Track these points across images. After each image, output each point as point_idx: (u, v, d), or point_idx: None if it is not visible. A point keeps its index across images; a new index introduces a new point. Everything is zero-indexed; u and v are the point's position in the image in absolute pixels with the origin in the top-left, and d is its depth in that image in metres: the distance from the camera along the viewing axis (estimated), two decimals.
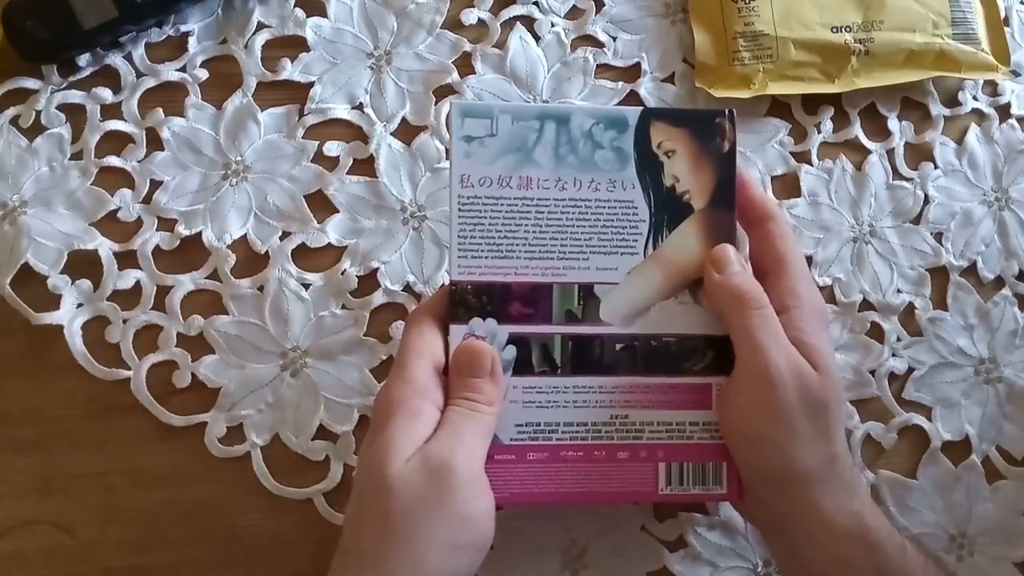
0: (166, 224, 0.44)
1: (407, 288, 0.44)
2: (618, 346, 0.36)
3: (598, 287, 0.36)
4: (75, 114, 0.45)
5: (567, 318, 0.36)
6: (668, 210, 0.36)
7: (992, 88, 0.50)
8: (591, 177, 0.36)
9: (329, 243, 0.44)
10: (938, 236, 0.47)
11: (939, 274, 0.47)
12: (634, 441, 0.36)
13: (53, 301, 0.42)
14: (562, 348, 0.36)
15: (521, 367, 0.36)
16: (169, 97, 0.46)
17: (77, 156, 0.44)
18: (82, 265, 0.43)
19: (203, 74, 0.46)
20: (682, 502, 0.40)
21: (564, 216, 0.36)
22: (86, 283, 0.42)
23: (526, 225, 0.36)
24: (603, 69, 0.48)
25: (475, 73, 0.47)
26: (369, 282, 0.44)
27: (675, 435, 0.36)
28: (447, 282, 0.36)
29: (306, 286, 0.43)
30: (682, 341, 0.36)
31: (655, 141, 0.36)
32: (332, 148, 0.45)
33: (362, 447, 0.34)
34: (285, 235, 0.44)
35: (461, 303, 0.35)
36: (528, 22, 0.48)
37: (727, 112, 0.37)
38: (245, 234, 0.44)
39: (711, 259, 0.36)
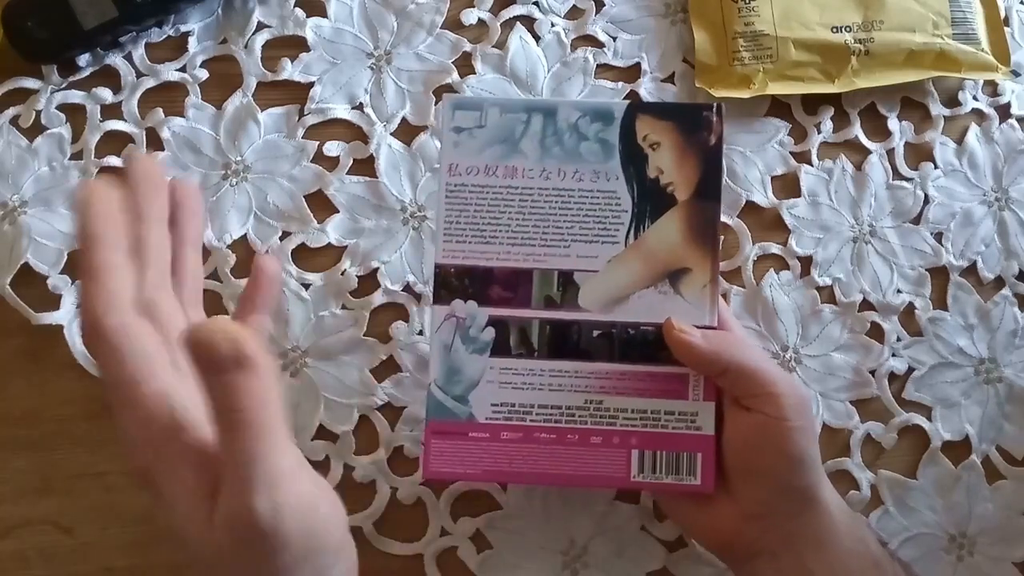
0: None
1: (407, 288, 0.44)
2: (595, 332, 0.37)
3: (578, 274, 0.37)
4: (75, 114, 0.45)
5: (546, 303, 0.37)
6: (651, 201, 0.37)
7: (992, 88, 0.50)
8: (575, 168, 0.37)
9: (329, 243, 0.44)
10: (938, 236, 0.47)
11: (939, 274, 0.47)
12: (608, 427, 0.36)
13: (53, 301, 0.42)
14: (540, 332, 0.37)
15: (499, 349, 0.36)
16: (169, 97, 0.46)
17: (77, 156, 0.44)
18: None
19: (203, 74, 0.46)
20: (655, 490, 0.40)
21: (547, 205, 0.37)
22: None
23: (510, 212, 0.37)
24: (603, 69, 0.48)
25: (475, 73, 0.47)
26: (369, 282, 0.44)
27: (649, 423, 0.36)
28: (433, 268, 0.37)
29: (306, 286, 0.43)
30: (660, 330, 0.36)
31: (640, 134, 0.37)
32: (332, 148, 0.45)
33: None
34: (285, 235, 0.44)
35: (444, 285, 0.36)
36: (528, 22, 0.48)
37: (715, 106, 0.37)
38: (245, 234, 0.44)
39: (671, 342, 0.36)
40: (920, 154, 0.48)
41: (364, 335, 0.43)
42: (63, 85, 0.45)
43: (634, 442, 0.36)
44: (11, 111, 0.44)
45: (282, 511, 0.24)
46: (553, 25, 0.48)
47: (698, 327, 0.36)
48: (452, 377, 0.36)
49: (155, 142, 0.45)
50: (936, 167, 0.48)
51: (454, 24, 0.48)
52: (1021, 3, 0.52)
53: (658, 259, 0.37)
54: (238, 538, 0.24)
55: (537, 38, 0.48)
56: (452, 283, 0.36)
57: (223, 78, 0.46)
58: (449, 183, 0.37)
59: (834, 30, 0.47)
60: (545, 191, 0.37)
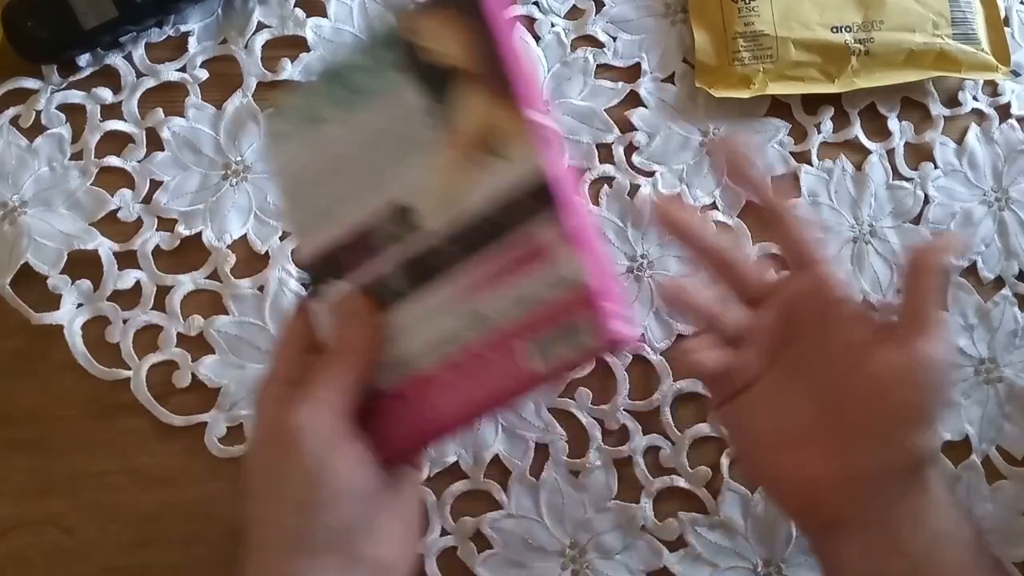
0: (166, 224, 0.44)
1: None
2: (449, 244, 0.32)
3: (410, 199, 0.32)
4: (75, 114, 0.45)
5: (394, 241, 0.33)
6: (437, 85, 0.32)
7: (992, 88, 0.50)
8: (375, 104, 0.33)
9: None
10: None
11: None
12: (495, 331, 0.31)
13: (53, 301, 0.42)
14: (404, 278, 0.33)
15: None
16: (169, 97, 0.46)
17: (77, 156, 0.44)
18: (82, 265, 0.43)
19: (203, 74, 0.46)
20: (568, 370, 0.33)
21: (365, 156, 0.33)
22: (86, 283, 0.42)
23: (339, 182, 0.34)
24: (603, 69, 0.48)
25: None
26: None
27: (529, 304, 0.31)
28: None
29: (306, 286, 0.43)
30: (499, 203, 0.31)
31: (406, 32, 0.32)
32: None
33: None
34: (285, 235, 0.44)
35: (314, 281, 0.34)
36: (528, 22, 0.48)
37: None
38: (245, 234, 0.44)
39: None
40: (920, 154, 0.48)
41: None
42: (63, 85, 0.45)
43: (524, 334, 0.31)
44: (11, 111, 0.44)
45: (303, 423, 0.30)
46: (553, 25, 0.48)
47: (534, 184, 0.30)
48: None
49: (155, 142, 0.45)
50: (936, 167, 0.48)
51: None
52: (1021, 3, 0.52)
53: (471, 138, 0.31)
54: (272, 435, 0.31)
55: (537, 38, 0.48)
56: (320, 275, 0.34)
57: (223, 78, 0.46)
58: (285, 188, 0.35)
59: (834, 30, 0.47)
60: (363, 144, 0.33)
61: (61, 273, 0.42)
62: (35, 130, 0.44)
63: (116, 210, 0.44)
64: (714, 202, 0.46)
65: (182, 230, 0.43)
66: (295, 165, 0.35)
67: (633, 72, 0.48)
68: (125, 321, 0.42)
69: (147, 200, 0.44)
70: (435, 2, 0.32)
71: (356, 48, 0.34)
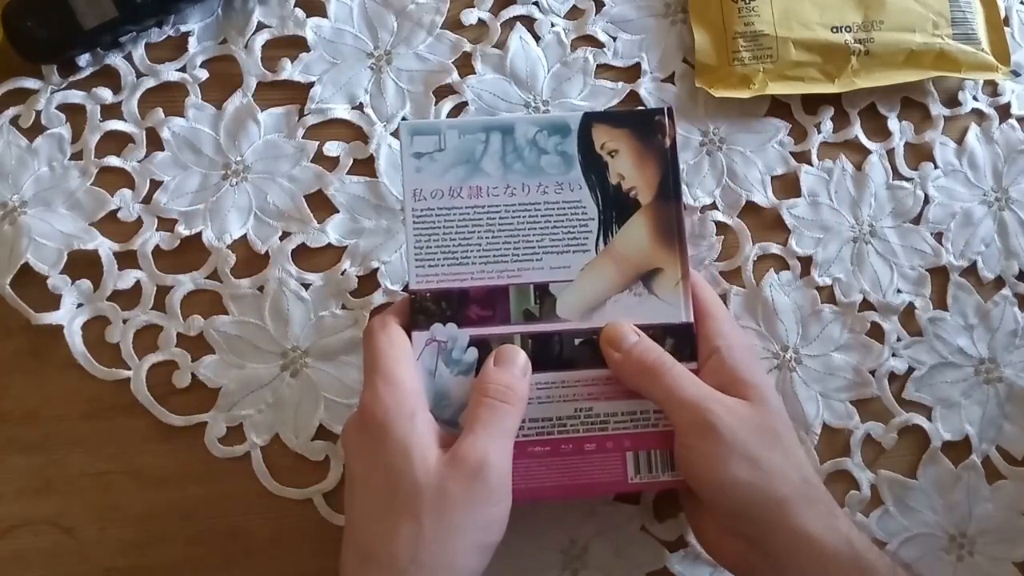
0: (166, 224, 0.44)
1: (407, 288, 0.44)
2: (577, 341, 0.37)
3: (553, 285, 0.37)
4: (75, 114, 0.45)
5: (525, 317, 0.37)
6: (616, 207, 0.38)
7: (992, 88, 0.50)
8: (539, 181, 0.38)
9: (329, 243, 0.44)
10: (938, 236, 0.47)
11: (939, 274, 0.47)
12: (600, 432, 0.36)
13: (53, 301, 0.42)
14: (522, 347, 0.36)
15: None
16: (169, 97, 0.46)
17: (77, 156, 0.44)
18: (82, 265, 0.43)
19: (203, 74, 0.46)
20: (653, 490, 0.40)
21: (515, 220, 0.37)
22: (86, 283, 0.42)
23: (479, 232, 0.37)
24: (603, 69, 0.48)
25: (475, 73, 0.47)
26: (369, 282, 0.44)
27: (640, 424, 0.36)
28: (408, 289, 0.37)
29: (306, 286, 0.43)
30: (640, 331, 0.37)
31: (598, 143, 0.38)
32: (332, 148, 0.45)
33: (358, 452, 0.34)
34: (285, 235, 0.44)
35: (421, 310, 0.36)
36: (528, 22, 0.48)
37: (666, 109, 0.38)
38: (245, 234, 0.44)
39: (605, 341, 0.36)
40: (920, 154, 0.48)
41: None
42: (63, 85, 0.45)
43: (627, 444, 0.36)
44: (11, 111, 0.44)
45: (496, 467, 0.33)
46: (553, 25, 0.48)
47: (674, 324, 0.37)
48: (440, 402, 0.36)
49: (155, 142, 0.45)
50: (936, 167, 0.48)
51: (454, 24, 0.48)
52: (1021, 3, 0.52)
53: (629, 262, 0.37)
54: (465, 470, 0.32)
55: (537, 38, 0.48)
56: (429, 307, 0.36)
57: (223, 78, 0.46)
58: (415, 208, 0.37)
59: (834, 30, 0.47)
60: (511, 207, 0.37)
61: (61, 273, 0.42)
62: (35, 130, 0.44)
63: (116, 210, 0.44)
64: (714, 202, 0.46)
65: (182, 230, 0.43)
66: (434, 195, 0.37)
67: (633, 72, 0.48)
68: (125, 321, 0.42)
69: (147, 200, 0.44)
70: (630, 119, 0.38)
71: (537, 124, 0.38)
